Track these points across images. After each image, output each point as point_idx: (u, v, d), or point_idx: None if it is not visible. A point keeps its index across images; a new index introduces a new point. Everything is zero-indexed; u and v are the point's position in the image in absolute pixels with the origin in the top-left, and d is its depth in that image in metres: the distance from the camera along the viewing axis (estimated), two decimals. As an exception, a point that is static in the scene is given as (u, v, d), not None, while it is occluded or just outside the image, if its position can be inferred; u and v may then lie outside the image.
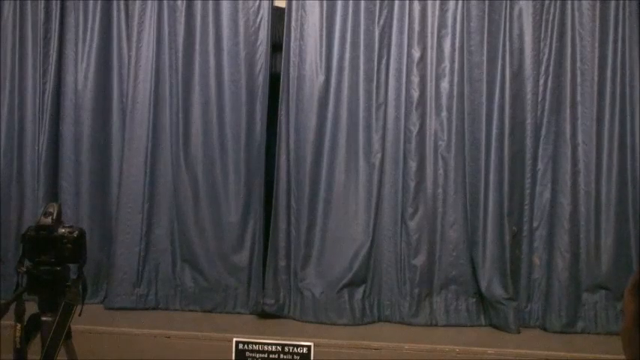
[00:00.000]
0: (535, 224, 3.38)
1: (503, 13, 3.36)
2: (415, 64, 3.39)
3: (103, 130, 3.62)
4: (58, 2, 3.58)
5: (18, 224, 3.54)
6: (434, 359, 2.91)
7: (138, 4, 3.54)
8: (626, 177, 3.32)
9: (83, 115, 3.58)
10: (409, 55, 3.40)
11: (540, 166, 3.39)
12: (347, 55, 3.42)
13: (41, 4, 3.57)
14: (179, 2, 3.52)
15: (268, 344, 2.83)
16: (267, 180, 3.52)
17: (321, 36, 3.43)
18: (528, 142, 3.37)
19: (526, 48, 3.38)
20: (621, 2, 3.32)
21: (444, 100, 3.40)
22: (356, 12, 3.41)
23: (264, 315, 3.37)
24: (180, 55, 3.51)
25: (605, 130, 3.33)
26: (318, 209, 3.43)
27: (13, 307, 1.73)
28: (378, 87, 3.43)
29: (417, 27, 3.39)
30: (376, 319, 3.38)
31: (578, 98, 3.34)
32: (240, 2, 3.50)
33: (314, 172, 3.43)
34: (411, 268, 3.37)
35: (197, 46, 3.52)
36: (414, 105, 3.39)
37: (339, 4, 3.42)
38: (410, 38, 3.40)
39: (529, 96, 3.37)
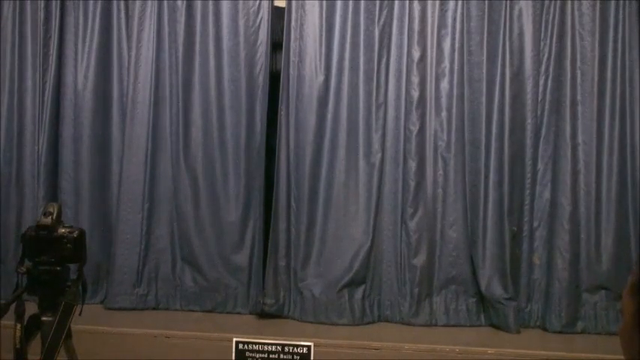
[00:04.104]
0: (535, 224, 3.38)
1: (503, 13, 3.36)
2: (415, 64, 3.39)
3: (103, 130, 3.62)
4: (58, 2, 3.58)
5: (18, 224, 3.54)
6: (434, 359, 2.91)
7: (138, 4, 3.54)
8: (626, 177, 3.32)
9: (83, 115, 3.57)
10: (409, 55, 3.40)
11: (540, 166, 3.39)
12: (347, 55, 3.42)
13: (41, 4, 3.56)
14: (179, 2, 3.52)
15: (268, 344, 2.83)
16: (267, 180, 3.52)
17: (320, 36, 3.43)
18: (528, 142, 3.36)
19: (526, 48, 3.38)
20: (621, 2, 3.32)
21: (443, 100, 3.40)
22: (356, 12, 3.41)
23: (264, 315, 3.37)
24: (180, 55, 3.51)
25: (605, 130, 3.33)
26: (318, 209, 3.43)
27: (13, 307, 1.74)
28: (378, 87, 3.43)
29: (416, 27, 3.39)
30: (376, 319, 3.38)
31: (578, 98, 3.34)
32: (240, 2, 3.50)
33: (314, 171, 3.43)
34: (411, 268, 3.37)
35: (197, 46, 3.52)
36: (414, 105, 3.39)
37: (339, 4, 3.42)
38: (410, 38, 3.40)
39: (529, 96, 3.36)
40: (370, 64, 3.42)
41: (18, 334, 1.73)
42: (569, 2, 3.35)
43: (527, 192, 3.37)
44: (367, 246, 3.39)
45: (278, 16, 3.54)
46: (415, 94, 3.39)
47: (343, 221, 3.42)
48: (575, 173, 3.32)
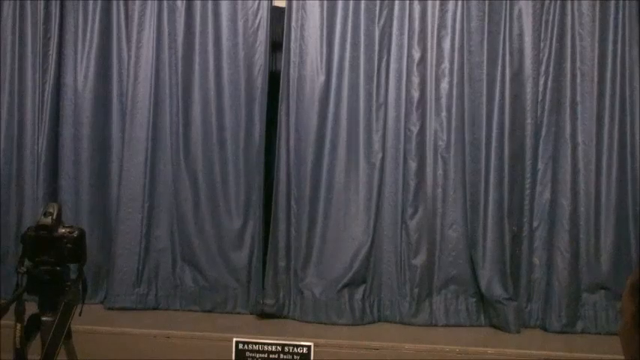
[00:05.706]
0: (535, 224, 3.38)
1: (503, 13, 3.36)
2: (415, 65, 3.39)
3: (103, 130, 3.62)
4: (58, 2, 3.58)
5: (18, 224, 3.54)
6: (434, 359, 2.91)
7: (138, 4, 3.54)
8: (626, 177, 3.32)
9: (83, 115, 3.57)
10: (409, 55, 3.40)
11: (540, 166, 3.39)
12: (347, 56, 3.42)
13: (41, 4, 3.57)
14: (179, 2, 3.52)
15: (268, 344, 2.84)
16: (267, 180, 3.52)
17: (321, 36, 3.43)
18: (528, 142, 3.36)
19: (526, 48, 3.37)
20: (621, 2, 3.32)
21: (444, 101, 3.40)
22: (356, 12, 3.41)
23: (264, 315, 3.37)
24: (179, 55, 3.51)
25: (605, 130, 3.33)
26: (318, 209, 3.43)
27: (13, 307, 1.73)
28: (378, 87, 3.43)
29: (417, 27, 3.39)
30: (376, 319, 3.38)
31: (578, 98, 3.34)
32: (240, 2, 3.51)
33: (314, 172, 3.43)
34: (411, 268, 3.37)
35: (196, 47, 3.52)
36: (414, 105, 3.39)
37: (340, 4, 3.42)
38: (410, 38, 3.40)
39: (529, 96, 3.36)
40: (370, 64, 3.42)
41: (18, 334, 1.73)
42: (569, 2, 3.35)
43: (527, 192, 3.37)
44: (367, 246, 3.38)
45: (277, 16, 3.54)
46: (415, 94, 3.39)
47: (343, 221, 3.42)
48: (575, 173, 3.32)
